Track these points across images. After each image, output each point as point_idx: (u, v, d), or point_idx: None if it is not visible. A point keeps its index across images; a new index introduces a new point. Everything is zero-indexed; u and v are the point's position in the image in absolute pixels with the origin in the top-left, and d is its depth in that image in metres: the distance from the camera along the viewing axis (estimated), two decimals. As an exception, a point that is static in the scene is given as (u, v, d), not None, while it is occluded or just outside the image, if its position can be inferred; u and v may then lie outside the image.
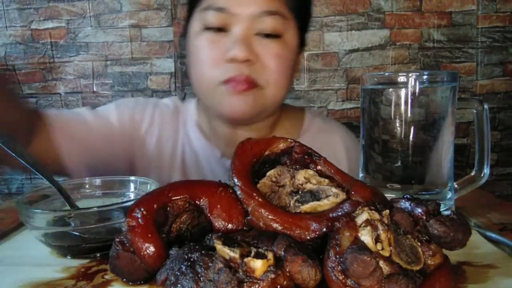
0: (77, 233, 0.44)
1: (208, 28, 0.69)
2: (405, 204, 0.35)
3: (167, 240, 0.38)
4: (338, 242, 0.32)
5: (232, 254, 0.31)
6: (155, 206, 0.38)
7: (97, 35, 2.20)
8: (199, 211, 0.40)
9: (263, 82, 0.69)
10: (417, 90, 0.49)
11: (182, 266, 0.32)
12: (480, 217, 0.55)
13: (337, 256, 0.31)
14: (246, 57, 0.66)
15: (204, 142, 0.80)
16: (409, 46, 2.11)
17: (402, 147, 0.51)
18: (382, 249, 0.31)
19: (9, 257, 0.45)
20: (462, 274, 0.38)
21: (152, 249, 0.36)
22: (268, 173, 0.43)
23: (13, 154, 0.51)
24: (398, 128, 0.50)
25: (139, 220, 0.37)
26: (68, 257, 0.45)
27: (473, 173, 0.54)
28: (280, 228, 0.36)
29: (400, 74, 0.50)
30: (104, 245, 0.43)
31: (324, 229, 0.36)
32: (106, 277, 0.40)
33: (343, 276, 0.31)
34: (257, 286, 0.30)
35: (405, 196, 0.36)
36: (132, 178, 0.55)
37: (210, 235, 0.36)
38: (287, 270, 0.31)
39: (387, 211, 0.33)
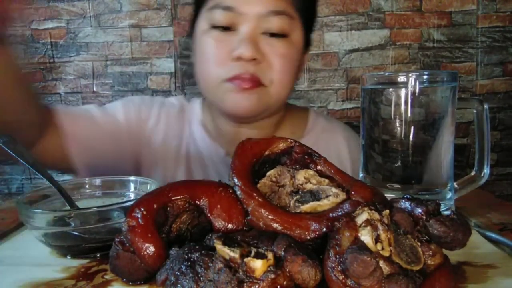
0: (77, 233, 0.44)
1: (215, 27, 0.70)
2: (405, 204, 0.35)
3: (167, 240, 0.38)
4: (338, 242, 0.32)
5: (232, 254, 0.31)
6: (155, 206, 0.38)
7: (97, 35, 2.20)
8: (199, 211, 0.40)
9: (267, 81, 0.70)
10: (417, 90, 0.49)
11: (182, 266, 0.32)
12: (480, 217, 0.55)
13: (337, 256, 0.31)
14: (252, 56, 0.67)
15: (209, 141, 0.80)
16: (409, 46, 2.11)
17: (402, 147, 0.51)
18: (382, 249, 0.31)
19: (9, 257, 0.45)
20: (462, 274, 0.38)
21: (152, 249, 0.36)
22: (268, 173, 0.43)
23: (13, 154, 0.51)
24: (398, 128, 0.50)
25: (139, 220, 0.37)
26: (68, 257, 0.45)
27: (473, 173, 0.54)
28: (280, 228, 0.36)
29: (400, 74, 0.50)
30: (104, 245, 0.43)
31: (324, 229, 0.36)
32: (106, 277, 0.40)
33: (343, 276, 0.31)
34: (257, 286, 0.30)
35: (405, 196, 0.36)
36: (132, 178, 0.55)
37: (210, 235, 0.36)
38: (287, 270, 0.31)
39: (387, 211, 0.33)
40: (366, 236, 0.31)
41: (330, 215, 0.37)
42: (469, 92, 2.12)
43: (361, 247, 0.31)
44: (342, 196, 0.40)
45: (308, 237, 0.36)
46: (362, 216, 0.33)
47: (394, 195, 0.49)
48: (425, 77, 0.50)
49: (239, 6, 0.68)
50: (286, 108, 0.82)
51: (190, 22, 0.78)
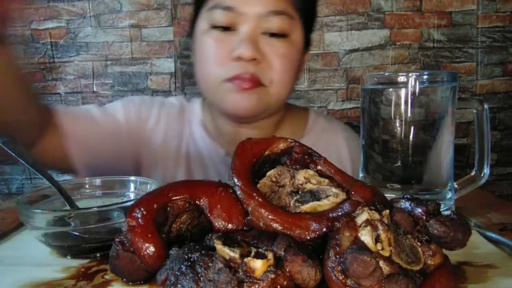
0: (77, 233, 0.44)
1: (215, 27, 0.70)
2: (405, 204, 0.35)
3: (167, 240, 0.38)
4: (338, 242, 0.32)
5: (232, 254, 0.31)
6: (155, 206, 0.38)
7: (97, 35, 2.20)
8: (199, 211, 0.40)
9: (267, 81, 0.70)
10: (417, 90, 0.49)
11: (182, 266, 0.32)
12: (480, 217, 0.55)
13: (337, 256, 0.31)
14: (252, 56, 0.67)
15: (209, 141, 0.80)
16: (409, 46, 2.11)
17: (402, 147, 0.51)
18: (382, 249, 0.31)
19: (9, 257, 0.45)
20: (462, 274, 0.38)
21: (152, 249, 0.36)
22: (268, 173, 0.43)
23: (13, 154, 0.51)
24: (398, 128, 0.50)
25: (139, 220, 0.37)
26: (68, 257, 0.45)
27: (473, 173, 0.54)
28: (280, 228, 0.36)
29: (400, 74, 0.50)
30: (104, 245, 0.43)
31: (324, 229, 0.36)
32: (106, 277, 0.40)
33: (343, 276, 0.31)
34: (257, 286, 0.30)
35: (405, 196, 0.36)
36: (132, 178, 0.55)
37: (210, 235, 0.36)
38: (287, 270, 0.31)
39: (387, 211, 0.33)
40: (366, 236, 0.31)
41: (330, 215, 0.37)
42: (469, 92, 2.12)
43: (361, 247, 0.31)
44: (342, 196, 0.40)
45: (308, 237, 0.36)
46: (362, 216, 0.33)
47: (394, 195, 0.49)
48: (425, 77, 0.50)
49: (239, 6, 0.68)
50: (286, 108, 0.82)
51: (190, 22, 0.78)
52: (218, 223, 0.38)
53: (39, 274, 0.40)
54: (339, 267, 0.31)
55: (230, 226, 0.38)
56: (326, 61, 2.14)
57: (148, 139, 0.80)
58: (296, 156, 0.44)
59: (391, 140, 0.51)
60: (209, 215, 0.39)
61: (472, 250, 0.43)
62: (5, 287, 0.39)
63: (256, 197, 0.38)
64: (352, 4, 2.10)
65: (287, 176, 0.42)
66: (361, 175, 0.55)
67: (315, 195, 0.40)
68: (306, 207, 0.39)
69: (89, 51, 2.22)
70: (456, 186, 0.54)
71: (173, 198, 0.39)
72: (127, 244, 0.36)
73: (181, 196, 0.39)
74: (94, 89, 2.24)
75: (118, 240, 0.37)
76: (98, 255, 0.44)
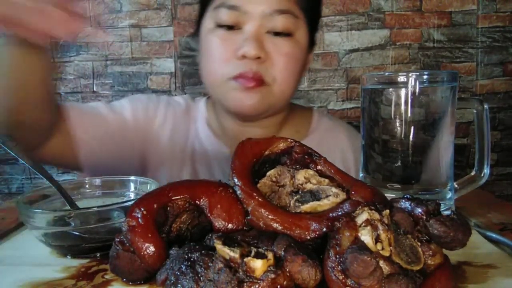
0: (77, 233, 0.44)
1: (220, 26, 0.70)
2: (405, 204, 0.35)
3: (167, 240, 0.38)
4: (338, 242, 0.32)
5: (232, 254, 0.31)
6: (155, 206, 0.38)
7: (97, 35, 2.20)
8: (199, 211, 0.40)
9: (270, 79, 0.70)
10: (417, 90, 0.49)
11: (182, 266, 0.32)
12: (480, 217, 0.55)
13: (337, 256, 0.31)
14: (256, 55, 0.67)
15: (214, 139, 0.81)
16: (409, 46, 2.11)
17: (402, 147, 0.51)
18: (382, 249, 0.31)
19: (9, 257, 0.45)
20: (462, 274, 0.38)
21: (152, 249, 0.36)
22: (268, 173, 0.43)
23: (13, 154, 0.51)
24: (398, 128, 0.50)
25: (139, 220, 0.37)
26: (68, 257, 0.45)
27: (473, 173, 0.54)
28: (280, 228, 0.36)
29: (400, 74, 0.50)
30: (104, 245, 0.43)
31: (324, 229, 0.36)
32: (106, 277, 0.40)
33: (343, 276, 0.31)
34: (257, 286, 0.30)
35: (405, 196, 0.36)
36: (132, 178, 0.55)
37: (210, 235, 0.36)
38: (287, 270, 0.31)
39: (387, 211, 0.33)
40: (366, 236, 0.31)
41: (330, 215, 0.37)
42: (469, 92, 2.12)
43: (361, 247, 0.31)
44: (342, 196, 0.40)
45: (308, 237, 0.36)
46: (362, 216, 0.33)
47: (394, 195, 0.49)
48: (425, 77, 0.50)
49: (244, 5, 0.68)
50: (290, 107, 0.83)
51: (195, 21, 0.79)
52: (218, 223, 0.38)
53: (39, 274, 0.40)
54: (339, 267, 0.31)
55: (230, 226, 0.38)
56: (326, 61, 2.14)
57: (155, 137, 0.80)
58: (296, 156, 0.44)
59: (391, 140, 0.51)
60: (209, 215, 0.39)
61: (472, 250, 0.43)
62: (5, 287, 0.39)
63: (256, 197, 0.38)
64: (352, 4, 2.10)
65: (287, 176, 0.42)
66: (361, 175, 0.55)
67: (315, 195, 0.40)
68: (306, 207, 0.39)
69: (89, 51, 2.22)
70: (456, 186, 0.54)
71: (173, 198, 0.39)
72: (127, 244, 0.36)
73: (181, 196, 0.39)
74: (94, 89, 2.24)
75: (118, 240, 0.37)
76: (98, 255, 0.44)
